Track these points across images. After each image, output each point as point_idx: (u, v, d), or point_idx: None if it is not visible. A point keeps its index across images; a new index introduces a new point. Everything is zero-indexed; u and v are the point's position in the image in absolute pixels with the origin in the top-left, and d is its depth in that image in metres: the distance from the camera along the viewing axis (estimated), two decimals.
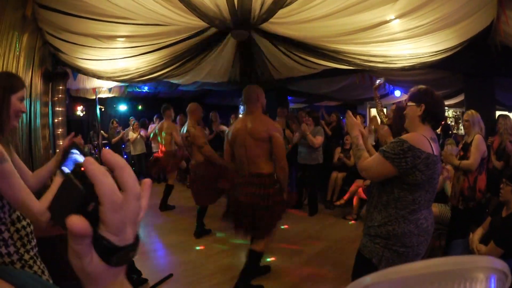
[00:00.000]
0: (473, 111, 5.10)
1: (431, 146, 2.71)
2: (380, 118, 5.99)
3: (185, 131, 6.53)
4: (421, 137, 2.72)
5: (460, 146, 5.26)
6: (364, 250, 2.90)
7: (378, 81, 6.23)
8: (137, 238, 0.64)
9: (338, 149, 8.88)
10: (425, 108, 2.83)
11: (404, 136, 2.77)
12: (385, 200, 2.82)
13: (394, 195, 2.76)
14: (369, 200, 3.14)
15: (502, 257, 3.75)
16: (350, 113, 3.29)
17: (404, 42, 5.65)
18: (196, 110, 6.57)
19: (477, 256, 0.63)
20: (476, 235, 3.97)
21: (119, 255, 0.60)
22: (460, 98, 10.71)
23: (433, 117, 2.86)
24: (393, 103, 11.18)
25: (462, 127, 5.29)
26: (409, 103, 2.96)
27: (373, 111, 14.93)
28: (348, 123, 3.23)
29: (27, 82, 5.21)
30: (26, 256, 2.02)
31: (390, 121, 5.43)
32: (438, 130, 13.70)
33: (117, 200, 0.58)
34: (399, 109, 4.49)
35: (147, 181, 0.70)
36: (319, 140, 7.75)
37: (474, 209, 4.67)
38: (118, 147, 12.05)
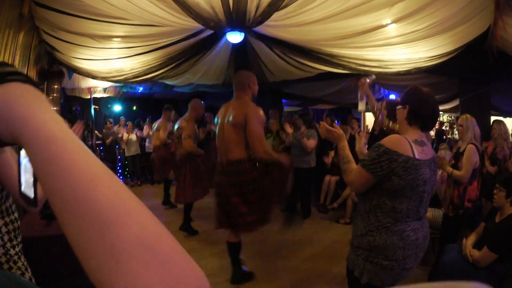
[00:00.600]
0: (468, 115, 5.01)
1: (411, 149, 2.52)
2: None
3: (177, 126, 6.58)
4: (400, 139, 2.58)
5: (453, 152, 5.24)
6: (348, 260, 2.81)
7: (368, 80, 6.03)
8: None
9: (332, 152, 8.88)
10: (409, 109, 2.70)
11: (383, 140, 2.62)
12: (367, 207, 2.67)
13: (374, 201, 2.62)
14: (356, 207, 3.03)
15: (495, 262, 3.77)
16: (324, 124, 3.20)
17: (400, 47, 5.65)
18: (197, 107, 6.54)
19: (464, 282, 0.62)
20: (469, 240, 3.96)
21: None
22: (455, 103, 10.71)
23: (419, 117, 2.68)
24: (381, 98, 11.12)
25: (456, 132, 5.23)
26: (398, 107, 2.84)
27: (368, 117, 14.87)
28: (333, 136, 3.08)
29: None
30: (12, 251, 2.01)
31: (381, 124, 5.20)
32: (432, 135, 13.76)
33: None
34: (390, 103, 4.32)
35: None
36: (312, 143, 7.74)
37: (463, 216, 4.65)
38: (112, 148, 12.02)
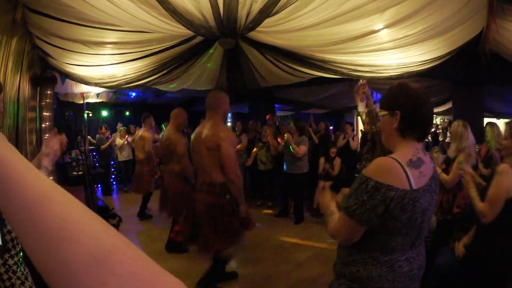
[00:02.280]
0: (460, 122, 5.02)
1: (407, 177, 1.91)
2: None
3: (161, 136, 6.43)
4: (391, 165, 1.94)
5: (445, 157, 5.25)
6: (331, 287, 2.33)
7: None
8: None
9: (322, 159, 8.89)
10: (402, 115, 2.05)
11: (366, 170, 2.00)
12: (358, 241, 2.09)
13: (368, 237, 2.04)
14: None
15: None
16: (320, 191, 2.76)
17: (392, 52, 5.66)
18: (179, 115, 6.28)
19: None
20: (461, 243, 3.98)
21: None
22: (448, 105, 10.77)
23: (416, 125, 2.05)
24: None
25: (449, 135, 5.22)
26: (381, 113, 2.21)
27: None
28: (322, 204, 2.61)
29: (15, 86, 5.19)
30: (11, 261, 2.00)
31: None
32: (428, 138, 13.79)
33: None
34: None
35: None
36: (302, 149, 7.75)
37: (452, 220, 4.67)
38: (106, 153, 12.00)
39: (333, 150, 8.79)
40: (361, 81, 4.65)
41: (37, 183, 0.53)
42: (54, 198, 0.53)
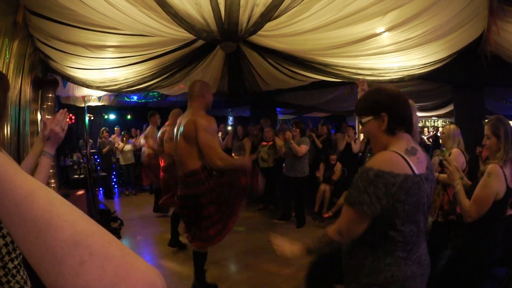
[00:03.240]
0: (452, 125, 5.06)
1: (408, 163, 2.00)
2: None
3: (161, 133, 6.59)
4: (390, 155, 2.04)
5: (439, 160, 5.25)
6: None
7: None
8: None
9: (322, 165, 8.90)
10: (389, 115, 2.13)
11: (368, 163, 2.07)
12: (370, 239, 2.12)
13: (381, 236, 2.08)
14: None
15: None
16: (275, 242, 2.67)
17: (393, 55, 5.67)
18: (177, 115, 6.27)
19: None
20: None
21: None
22: (449, 108, 10.78)
23: (402, 121, 2.16)
24: None
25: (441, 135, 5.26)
26: (364, 119, 2.26)
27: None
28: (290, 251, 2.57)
29: (16, 88, 5.19)
30: (10, 265, 1.98)
31: None
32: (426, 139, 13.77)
33: None
34: None
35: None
36: (303, 148, 7.73)
37: (454, 221, 4.66)
38: (108, 157, 12.00)
39: (332, 157, 8.80)
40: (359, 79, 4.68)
41: (25, 182, 0.60)
42: (39, 194, 0.59)
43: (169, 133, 6.16)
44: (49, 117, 2.70)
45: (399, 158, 2.00)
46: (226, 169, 4.26)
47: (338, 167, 8.65)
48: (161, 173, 6.85)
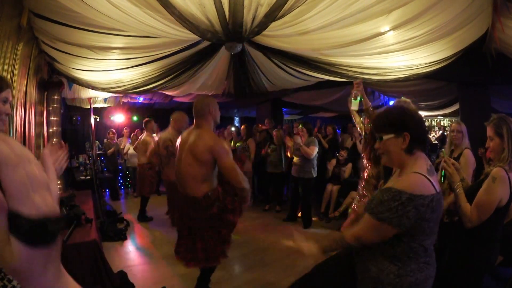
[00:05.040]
0: (459, 121, 4.98)
1: (432, 184, 2.16)
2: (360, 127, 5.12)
3: (159, 138, 6.40)
4: (421, 180, 2.17)
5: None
6: None
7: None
8: (59, 215, 0.63)
9: (333, 162, 8.90)
10: (412, 136, 2.25)
11: (399, 185, 2.19)
12: (393, 250, 2.27)
13: (404, 247, 2.23)
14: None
15: (500, 265, 3.74)
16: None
17: (398, 54, 5.64)
18: (180, 120, 6.30)
19: None
20: None
21: (36, 228, 0.58)
22: (455, 107, 10.73)
23: (422, 142, 2.32)
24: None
25: (452, 136, 5.08)
26: (385, 136, 2.34)
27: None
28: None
29: (22, 91, 5.21)
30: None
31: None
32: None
33: (12, 159, 0.58)
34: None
35: (45, 151, 0.80)
36: (313, 150, 7.73)
37: (458, 221, 4.59)
38: (114, 158, 12.02)
39: (342, 153, 8.82)
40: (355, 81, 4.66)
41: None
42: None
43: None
44: (51, 148, 2.66)
45: (425, 180, 2.16)
46: (243, 195, 4.10)
47: (349, 166, 8.66)
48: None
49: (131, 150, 11.57)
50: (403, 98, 4.44)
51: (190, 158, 4.01)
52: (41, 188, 0.61)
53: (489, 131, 3.18)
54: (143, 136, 8.55)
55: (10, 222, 0.57)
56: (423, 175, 2.18)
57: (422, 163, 2.26)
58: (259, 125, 10.82)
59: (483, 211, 2.99)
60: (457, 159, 4.58)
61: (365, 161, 4.69)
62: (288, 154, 8.58)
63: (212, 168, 4.05)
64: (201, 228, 4.17)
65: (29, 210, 0.58)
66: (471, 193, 3.15)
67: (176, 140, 5.81)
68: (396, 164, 2.39)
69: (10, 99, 2.16)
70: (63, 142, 2.78)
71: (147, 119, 8.66)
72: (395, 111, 2.41)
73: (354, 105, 4.70)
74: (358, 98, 4.65)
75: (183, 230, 4.41)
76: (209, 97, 4.53)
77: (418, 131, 2.28)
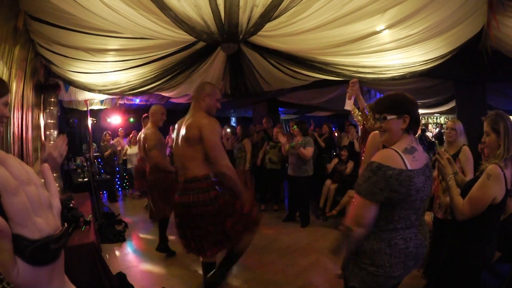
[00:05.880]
0: (456, 119, 4.99)
1: (403, 160, 2.41)
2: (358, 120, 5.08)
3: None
4: (390, 152, 2.47)
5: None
6: (342, 264, 2.81)
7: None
8: (61, 231, 0.65)
9: (335, 160, 8.95)
10: (411, 118, 2.55)
11: (373, 158, 2.50)
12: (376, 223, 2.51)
13: (383, 216, 2.49)
14: None
15: (498, 261, 3.76)
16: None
17: (394, 52, 5.65)
18: (155, 112, 6.23)
19: None
20: None
21: (39, 249, 0.60)
22: (451, 104, 10.76)
23: (416, 124, 2.61)
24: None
25: (446, 134, 5.05)
26: (389, 116, 2.59)
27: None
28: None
29: (18, 93, 5.21)
30: None
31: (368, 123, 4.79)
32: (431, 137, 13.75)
33: (10, 183, 0.58)
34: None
35: (45, 165, 0.72)
36: (309, 151, 7.74)
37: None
38: (111, 160, 12.02)
39: (343, 153, 8.88)
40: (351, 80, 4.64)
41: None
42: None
43: (154, 140, 6.01)
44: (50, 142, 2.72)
45: (396, 155, 2.43)
46: (228, 184, 3.88)
47: (351, 164, 8.69)
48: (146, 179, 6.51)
49: (130, 150, 11.57)
50: None
51: (184, 141, 3.93)
52: (42, 208, 0.63)
53: (486, 126, 3.18)
54: (143, 131, 8.53)
55: (14, 244, 0.59)
56: (396, 151, 2.46)
57: (403, 142, 2.56)
58: (257, 125, 10.81)
59: (475, 206, 3.01)
60: (453, 156, 4.57)
61: (363, 158, 4.70)
62: (283, 151, 8.58)
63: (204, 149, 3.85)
64: (200, 216, 3.89)
65: (31, 233, 0.59)
66: (467, 189, 3.15)
67: (150, 134, 5.95)
68: (391, 142, 2.62)
69: (8, 102, 2.18)
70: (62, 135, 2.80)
71: (146, 115, 8.65)
72: (398, 96, 2.67)
73: (349, 105, 4.71)
74: (352, 98, 4.67)
75: (180, 220, 4.12)
76: (210, 84, 4.28)
77: (415, 114, 2.59)
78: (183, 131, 3.96)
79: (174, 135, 4.34)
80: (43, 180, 0.68)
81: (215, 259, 4.19)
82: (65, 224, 0.68)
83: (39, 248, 0.60)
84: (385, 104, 2.68)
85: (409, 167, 2.40)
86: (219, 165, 3.79)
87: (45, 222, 0.62)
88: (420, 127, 16.77)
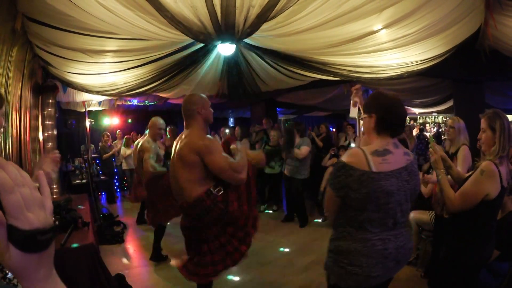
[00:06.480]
0: (457, 117, 4.97)
1: (367, 162, 2.38)
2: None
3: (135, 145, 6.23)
4: (356, 152, 2.46)
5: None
6: (325, 264, 2.73)
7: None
8: (50, 226, 0.78)
9: (334, 160, 8.98)
10: (377, 117, 2.51)
11: (343, 156, 2.56)
12: (339, 215, 2.59)
13: (343, 210, 2.53)
14: None
15: (497, 260, 3.76)
16: None
17: (391, 52, 5.66)
18: (152, 127, 6.10)
19: None
20: None
21: (28, 238, 0.73)
22: (449, 103, 10.76)
23: (388, 126, 2.50)
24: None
25: (445, 132, 5.05)
26: (363, 115, 2.68)
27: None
28: None
29: (17, 95, 5.21)
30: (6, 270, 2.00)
31: None
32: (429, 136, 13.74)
33: (7, 184, 0.71)
34: None
35: (39, 171, 0.87)
36: (304, 150, 7.73)
37: (454, 217, 4.57)
38: (109, 161, 11.99)
39: (341, 154, 8.89)
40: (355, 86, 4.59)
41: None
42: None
43: (150, 152, 5.84)
44: (41, 158, 2.80)
45: (361, 156, 2.42)
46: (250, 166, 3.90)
47: None
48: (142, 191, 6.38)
49: (129, 151, 11.54)
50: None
51: (179, 162, 3.66)
52: (34, 206, 0.76)
53: (483, 123, 3.20)
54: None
55: (8, 233, 0.71)
56: (363, 152, 2.43)
57: (377, 144, 2.51)
58: (256, 126, 10.81)
59: (466, 200, 3.02)
60: (454, 155, 4.59)
61: None
62: (283, 156, 8.58)
63: (205, 170, 3.60)
64: (209, 239, 3.77)
65: (22, 224, 0.72)
66: (461, 185, 3.16)
67: (147, 146, 5.82)
68: (367, 142, 2.61)
69: (4, 112, 2.20)
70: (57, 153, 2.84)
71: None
72: (373, 94, 2.71)
73: (353, 112, 4.70)
74: (357, 106, 4.65)
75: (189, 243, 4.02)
76: (196, 95, 4.00)
77: (386, 115, 2.48)
78: (179, 152, 3.67)
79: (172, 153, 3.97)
80: (37, 184, 0.81)
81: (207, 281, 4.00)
82: (56, 222, 0.78)
83: (27, 237, 0.73)
84: (365, 103, 2.76)
85: (374, 169, 2.37)
86: (236, 181, 3.69)
87: (35, 217, 0.75)
88: (418, 127, 16.78)
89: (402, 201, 2.48)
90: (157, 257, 6.23)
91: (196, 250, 3.87)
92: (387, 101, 2.52)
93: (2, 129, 2.18)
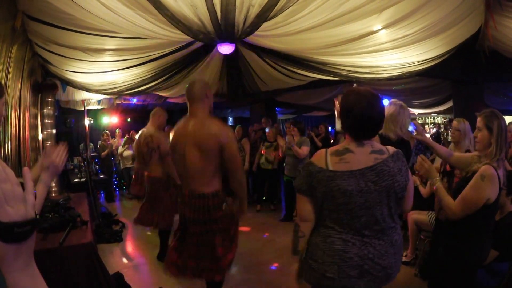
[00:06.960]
0: (462, 118, 4.90)
1: (325, 160, 2.40)
2: None
3: (139, 135, 5.93)
4: (319, 152, 2.52)
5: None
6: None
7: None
8: (29, 220, 0.86)
9: None
10: (341, 119, 2.51)
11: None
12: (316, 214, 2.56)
13: (315, 207, 2.52)
14: None
15: (496, 260, 3.76)
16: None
17: (391, 52, 5.66)
18: (159, 115, 5.92)
19: None
20: None
21: (5, 230, 0.81)
22: (449, 104, 10.76)
23: (348, 127, 2.45)
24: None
25: (450, 134, 5.00)
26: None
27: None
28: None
29: (16, 93, 5.21)
30: None
31: None
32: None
33: None
34: None
35: (25, 168, 0.97)
36: (304, 150, 7.71)
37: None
38: (108, 160, 11.97)
39: None
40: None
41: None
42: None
43: (166, 144, 5.42)
44: (48, 146, 2.77)
45: (322, 155, 2.47)
46: (240, 191, 3.75)
47: None
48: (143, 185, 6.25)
49: (126, 152, 11.52)
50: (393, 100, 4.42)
51: (194, 150, 3.48)
52: (14, 201, 0.83)
53: (479, 122, 3.16)
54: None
55: None
56: (326, 152, 2.47)
57: (341, 145, 2.52)
58: (255, 125, 10.81)
59: (468, 206, 2.97)
60: None
61: None
62: (280, 154, 8.58)
63: (220, 161, 3.53)
64: (207, 232, 3.66)
65: (1, 217, 0.80)
66: (458, 189, 3.12)
67: (157, 136, 5.55)
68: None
69: (5, 102, 2.20)
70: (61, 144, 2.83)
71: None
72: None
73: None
74: None
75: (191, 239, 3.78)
76: (202, 80, 3.97)
77: (348, 115, 2.41)
78: (196, 139, 3.49)
79: (173, 136, 3.86)
80: (21, 180, 0.88)
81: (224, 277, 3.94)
82: (37, 215, 0.89)
83: (5, 229, 0.81)
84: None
85: (330, 168, 2.37)
86: (238, 175, 3.66)
87: (14, 211, 0.82)
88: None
89: (372, 204, 2.32)
90: (163, 256, 5.92)
91: (205, 245, 3.70)
92: (345, 105, 2.44)
93: (2, 118, 2.17)
